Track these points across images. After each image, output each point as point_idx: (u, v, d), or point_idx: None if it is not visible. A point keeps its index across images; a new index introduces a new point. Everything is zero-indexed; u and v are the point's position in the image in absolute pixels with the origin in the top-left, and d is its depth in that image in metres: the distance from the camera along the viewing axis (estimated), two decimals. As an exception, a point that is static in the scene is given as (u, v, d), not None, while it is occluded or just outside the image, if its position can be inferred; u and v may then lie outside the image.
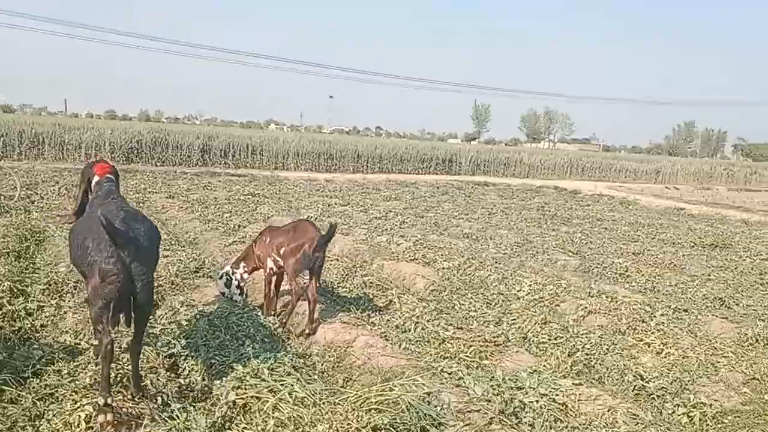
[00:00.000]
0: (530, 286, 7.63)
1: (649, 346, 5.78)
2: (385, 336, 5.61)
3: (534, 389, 4.43)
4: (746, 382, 5.11)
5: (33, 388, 3.99)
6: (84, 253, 3.76)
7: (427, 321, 5.96)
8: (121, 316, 3.78)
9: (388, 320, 6.14)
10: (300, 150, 26.13)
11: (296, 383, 3.96)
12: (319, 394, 3.91)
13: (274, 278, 6.15)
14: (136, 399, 3.86)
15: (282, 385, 3.96)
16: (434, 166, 29.56)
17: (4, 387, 3.88)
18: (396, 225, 12.40)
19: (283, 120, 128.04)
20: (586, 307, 6.84)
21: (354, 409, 3.71)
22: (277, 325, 5.72)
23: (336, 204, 15.43)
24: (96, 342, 3.85)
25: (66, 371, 4.19)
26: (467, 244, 10.59)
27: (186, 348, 4.80)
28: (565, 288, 7.52)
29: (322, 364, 5.00)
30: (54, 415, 3.60)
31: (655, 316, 6.41)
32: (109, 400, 3.50)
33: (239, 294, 6.20)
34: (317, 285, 5.83)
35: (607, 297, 7.11)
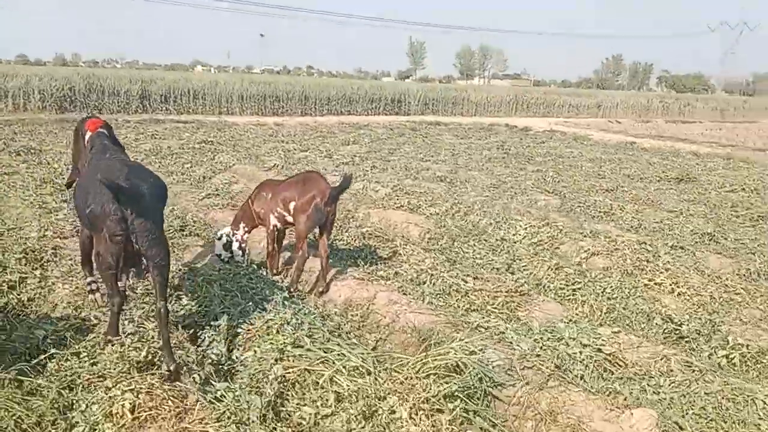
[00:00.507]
0: (525, 229, 7.55)
1: (660, 286, 5.80)
2: (404, 290, 5.39)
3: (574, 340, 4.33)
4: (762, 319, 5.20)
5: (51, 374, 3.57)
6: (89, 211, 3.68)
7: (442, 272, 5.76)
8: (132, 270, 3.89)
9: (397, 273, 5.91)
10: (245, 93, 24.99)
11: (347, 351, 3.70)
12: (371, 361, 3.67)
13: (276, 235, 5.79)
14: (171, 374, 3.53)
15: (329, 353, 3.70)
16: (383, 106, 29.00)
17: (21, 377, 3.45)
18: (367, 170, 12.04)
19: (210, 60, 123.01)
20: (588, 249, 6.81)
21: (415, 377, 3.50)
22: (287, 285, 5.40)
23: (296, 150, 14.87)
24: (108, 302, 3.93)
25: (84, 353, 3.78)
26: (445, 188, 10.42)
27: (204, 317, 4.45)
28: (561, 230, 7.48)
29: (347, 325, 4.74)
30: (88, 406, 3.22)
31: (660, 255, 6.43)
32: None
33: (242, 255, 5.81)
34: (328, 240, 5.51)
35: (605, 237, 7.11)
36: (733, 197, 10.64)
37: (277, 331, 4.05)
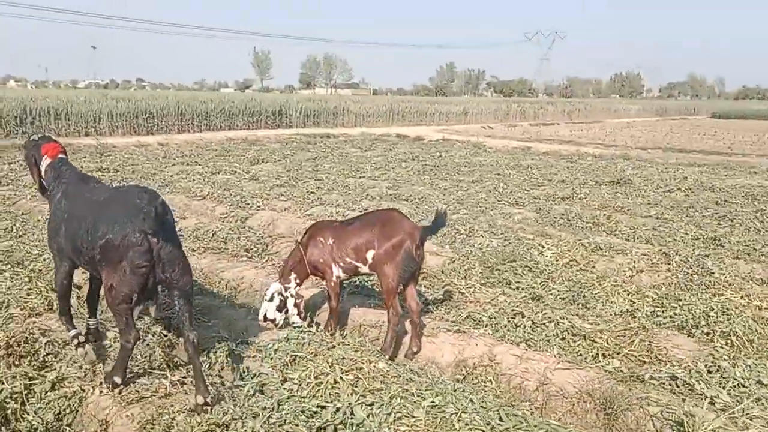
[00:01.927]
0: (551, 249, 7.06)
1: (748, 303, 5.47)
2: (509, 339, 4.60)
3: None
4: None
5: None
6: (104, 242, 3.41)
7: (530, 311, 5.03)
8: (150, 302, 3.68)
9: (469, 315, 5.10)
10: (114, 110, 22.33)
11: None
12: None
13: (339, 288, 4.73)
14: (205, 406, 3.36)
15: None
16: (264, 120, 27.51)
17: None
18: (310, 192, 10.96)
19: (24, 75, 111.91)
20: (631, 266, 6.46)
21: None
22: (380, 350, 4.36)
23: (207, 172, 13.32)
24: (122, 340, 3.64)
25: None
26: (414, 209, 9.68)
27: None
28: (584, 246, 7.09)
29: (487, 394, 3.86)
30: None
31: (711, 268, 6.21)
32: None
33: (298, 314, 4.66)
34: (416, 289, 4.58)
35: (637, 251, 6.83)
36: (678, 197, 11.03)
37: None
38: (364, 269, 4.54)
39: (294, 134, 24.26)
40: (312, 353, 3.96)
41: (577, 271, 6.39)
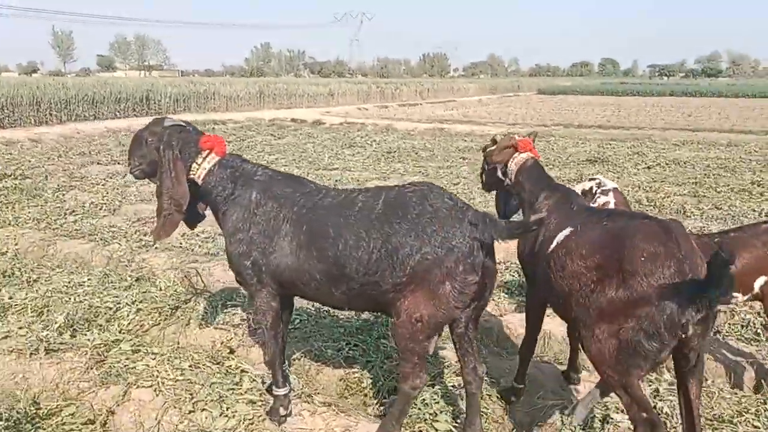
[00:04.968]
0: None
1: None
2: None
3: None
4: None
5: None
6: (420, 257, 2.74)
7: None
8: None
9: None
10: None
11: None
12: None
13: None
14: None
15: None
16: (132, 106, 24.40)
17: None
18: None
19: None
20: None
21: None
22: None
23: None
24: (407, 387, 2.92)
25: None
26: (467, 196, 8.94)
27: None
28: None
29: None
30: None
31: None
32: None
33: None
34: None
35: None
36: (665, 173, 11.43)
37: None
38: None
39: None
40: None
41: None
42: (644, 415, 2.53)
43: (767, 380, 3.73)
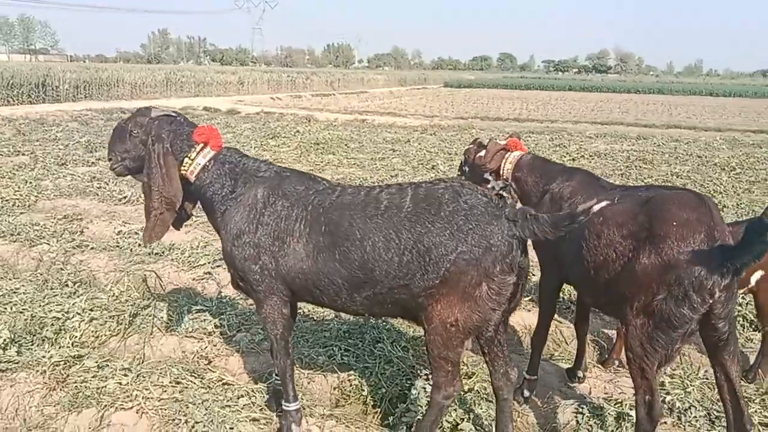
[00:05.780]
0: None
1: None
2: None
3: None
4: None
5: None
6: (409, 266, 2.60)
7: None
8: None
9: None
10: None
11: None
12: None
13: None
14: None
15: None
16: (27, 92, 22.43)
17: None
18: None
19: None
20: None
21: None
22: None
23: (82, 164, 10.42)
24: (440, 397, 2.74)
25: None
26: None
27: None
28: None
29: None
30: None
31: None
32: None
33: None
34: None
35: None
36: (590, 166, 11.83)
37: None
38: None
39: (84, 110, 20.35)
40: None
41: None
42: (648, 397, 2.65)
43: (749, 372, 3.83)
